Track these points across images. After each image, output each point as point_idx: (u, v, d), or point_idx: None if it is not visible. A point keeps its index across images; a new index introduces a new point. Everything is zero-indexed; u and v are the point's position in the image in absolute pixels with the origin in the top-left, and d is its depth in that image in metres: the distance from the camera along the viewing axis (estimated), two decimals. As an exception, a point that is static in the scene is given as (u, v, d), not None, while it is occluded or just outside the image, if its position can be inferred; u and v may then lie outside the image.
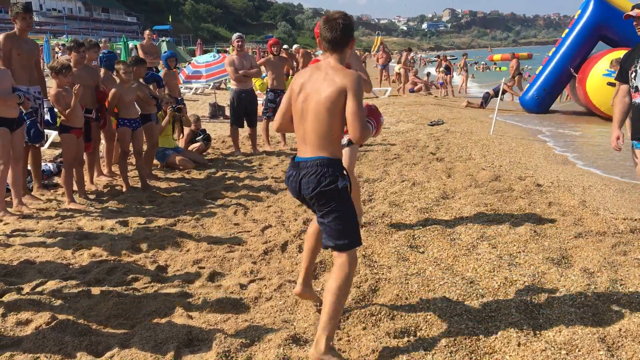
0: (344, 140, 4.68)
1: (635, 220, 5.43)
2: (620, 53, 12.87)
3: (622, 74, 4.61)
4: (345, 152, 4.70)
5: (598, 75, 13.88)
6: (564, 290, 3.74)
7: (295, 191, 3.06)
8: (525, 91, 16.55)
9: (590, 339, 3.06)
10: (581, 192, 6.66)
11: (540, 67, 16.36)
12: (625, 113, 4.66)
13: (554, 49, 15.99)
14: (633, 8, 4.48)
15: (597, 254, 4.37)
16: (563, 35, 15.84)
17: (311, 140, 2.96)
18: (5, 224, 5.56)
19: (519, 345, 3.07)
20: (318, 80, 2.95)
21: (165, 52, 10.77)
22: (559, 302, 3.56)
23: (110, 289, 3.98)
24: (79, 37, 35.35)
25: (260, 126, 9.99)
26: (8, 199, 6.02)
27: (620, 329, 3.17)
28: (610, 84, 12.83)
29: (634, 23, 4.50)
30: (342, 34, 2.98)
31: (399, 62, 21.54)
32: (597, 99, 14.03)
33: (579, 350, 3.01)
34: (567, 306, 3.48)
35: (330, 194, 2.92)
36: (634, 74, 4.46)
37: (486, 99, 17.55)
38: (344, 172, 3.00)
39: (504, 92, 17.34)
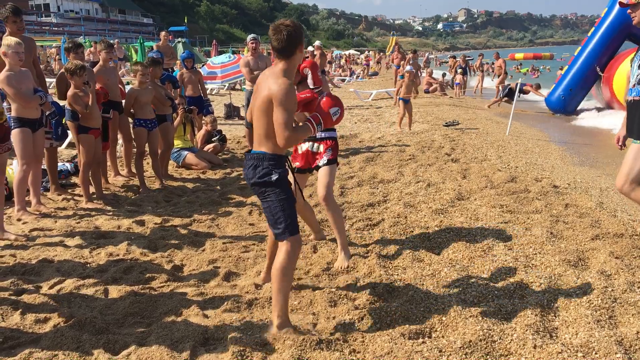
0: (322, 161, 4.49)
1: (654, 222, 5.37)
2: None
3: None
4: (323, 170, 4.49)
5: (625, 74, 13.67)
6: (581, 292, 3.71)
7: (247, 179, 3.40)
8: (551, 92, 16.30)
9: (607, 342, 3.04)
10: (598, 194, 6.60)
11: (566, 67, 16.10)
12: None
13: (579, 48, 15.73)
14: None
15: (614, 256, 4.33)
16: (589, 34, 15.58)
17: (256, 136, 3.29)
18: (24, 223, 5.64)
19: (534, 347, 3.05)
20: (262, 84, 3.24)
21: (184, 52, 10.81)
22: (575, 304, 3.53)
23: (127, 288, 4.02)
24: (96, 38, 35.63)
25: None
26: (27, 198, 6.09)
27: (637, 332, 3.14)
28: None
29: (628, 11, 4.34)
30: (287, 43, 3.15)
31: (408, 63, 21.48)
32: (623, 98, 13.82)
33: (595, 353, 2.98)
34: (583, 308, 3.45)
35: (264, 185, 3.23)
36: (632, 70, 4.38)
37: (511, 90, 17.16)
38: (284, 165, 3.30)
39: (527, 92, 17.15)
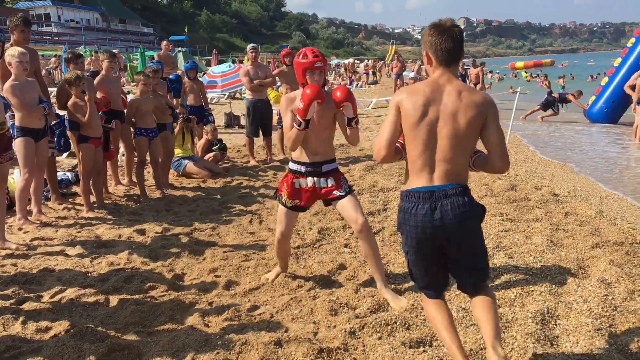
0: (344, 190, 3.98)
1: (654, 230, 5.38)
2: None
3: None
4: (351, 199, 3.98)
5: None
6: (581, 300, 3.71)
7: (429, 224, 2.62)
8: (591, 104, 15.90)
9: (608, 350, 3.04)
10: (598, 202, 6.61)
11: (606, 78, 15.64)
12: None
13: (619, 59, 15.37)
14: None
15: (615, 264, 4.34)
16: (629, 44, 15.19)
17: (445, 167, 2.63)
18: (25, 233, 5.65)
19: (535, 356, 3.05)
20: (450, 101, 2.62)
21: (187, 62, 10.87)
22: (576, 312, 3.54)
23: (128, 297, 4.03)
24: (97, 48, 35.66)
25: (275, 135, 10.06)
26: (27, 207, 6.10)
27: (638, 340, 3.14)
28: None
29: None
30: (461, 44, 2.67)
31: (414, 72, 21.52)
32: None
33: (596, 362, 2.99)
34: (584, 317, 3.45)
35: (477, 223, 2.71)
36: None
37: (552, 102, 16.82)
38: None
39: (568, 101, 16.98)
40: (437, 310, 2.79)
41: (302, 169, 3.97)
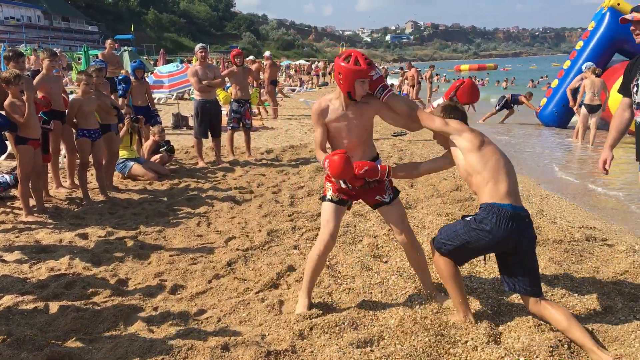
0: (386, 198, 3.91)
1: (591, 228, 5.60)
2: None
3: (625, 87, 4.08)
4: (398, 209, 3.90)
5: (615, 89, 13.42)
6: (523, 297, 3.81)
7: (513, 239, 3.33)
8: (543, 107, 16.13)
9: (547, 345, 3.13)
10: (539, 202, 6.83)
11: (556, 81, 15.85)
12: (621, 131, 4.11)
13: (569, 62, 15.60)
14: (632, 11, 3.92)
15: (554, 262, 4.48)
16: (578, 47, 15.44)
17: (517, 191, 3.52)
18: (-42, 238, 5.40)
19: (478, 351, 3.12)
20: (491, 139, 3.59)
21: (135, 61, 10.57)
22: (517, 309, 3.64)
23: (69, 303, 3.90)
24: (38, 47, 34.40)
25: (224, 137, 9.95)
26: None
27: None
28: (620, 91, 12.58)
29: (632, 28, 3.93)
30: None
31: None
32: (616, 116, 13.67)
33: (536, 357, 3.07)
34: (525, 314, 3.55)
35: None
36: (635, 88, 3.97)
37: (507, 102, 17.14)
38: None
39: (520, 102, 17.29)
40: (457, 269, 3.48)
41: None
